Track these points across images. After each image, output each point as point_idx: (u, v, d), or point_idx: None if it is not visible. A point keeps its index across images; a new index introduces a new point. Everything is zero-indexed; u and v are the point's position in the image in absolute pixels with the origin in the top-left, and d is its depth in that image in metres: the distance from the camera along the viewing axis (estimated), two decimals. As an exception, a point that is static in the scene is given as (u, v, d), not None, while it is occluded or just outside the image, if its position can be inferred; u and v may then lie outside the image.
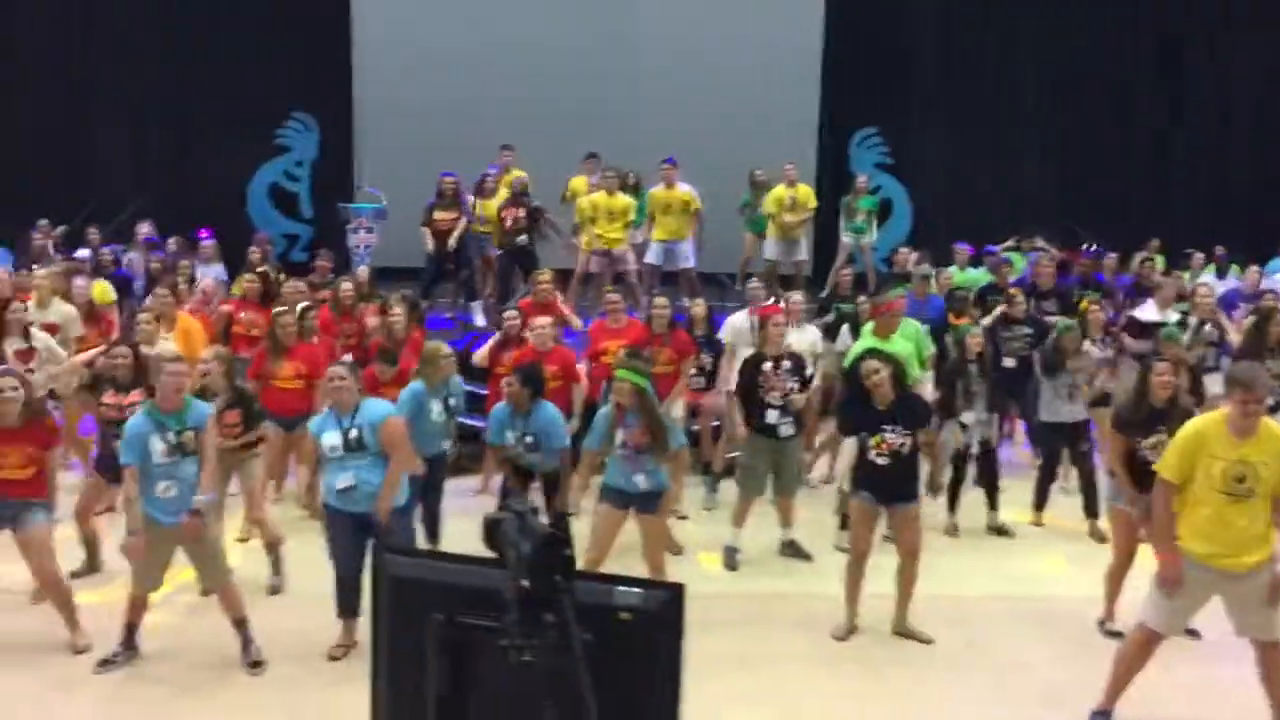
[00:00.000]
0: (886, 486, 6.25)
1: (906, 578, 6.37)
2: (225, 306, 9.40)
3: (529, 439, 7.01)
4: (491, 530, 2.54)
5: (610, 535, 6.38)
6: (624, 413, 6.19)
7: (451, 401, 7.24)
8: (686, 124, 14.31)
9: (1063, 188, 15.60)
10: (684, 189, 11.34)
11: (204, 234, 12.31)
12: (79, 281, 9.09)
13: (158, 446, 5.66)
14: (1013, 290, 9.73)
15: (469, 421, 8.73)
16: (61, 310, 8.70)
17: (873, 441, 6.22)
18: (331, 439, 5.84)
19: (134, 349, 7.02)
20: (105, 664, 5.85)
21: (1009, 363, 9.02)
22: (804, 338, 8.67)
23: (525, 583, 2.39)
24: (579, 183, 11.94)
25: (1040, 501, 8.42)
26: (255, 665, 5.86)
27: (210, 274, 11.25)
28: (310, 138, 15.67)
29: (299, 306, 8.53)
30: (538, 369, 7.31)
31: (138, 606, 5.90)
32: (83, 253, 11.02)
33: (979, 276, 11.61)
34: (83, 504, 6.98)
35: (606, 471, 6.41)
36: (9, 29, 15.15)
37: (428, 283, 11.33)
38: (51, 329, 8.39)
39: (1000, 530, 8.23)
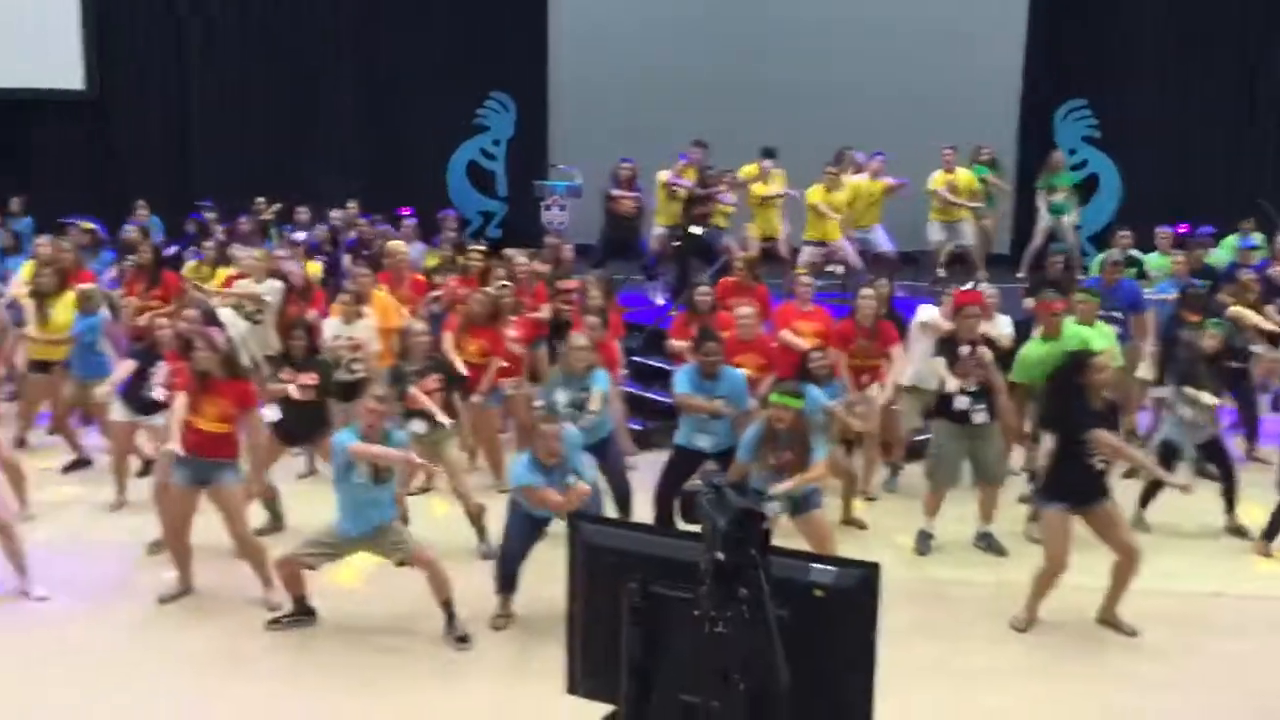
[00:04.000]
0: (1092, 489, 5.98)
1: (1123, 575, 6.11)
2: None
3: (716, 400, 7.07)
4: (687, 503, 2.57)
5: None
6: (777, 435, 6.25)
7: (583, 394, 7.07)
8: (881, 98, 13.99)
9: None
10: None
11: (405, 212, 12.78)
12: (292, 265, 9.46)
13: (360, 470, 5.91)
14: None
15: (656, 397, 8.82)
16: (270, 286, 9.12)
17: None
18: None
19: (309, 329, 7.49)
20: (274, 624, 6.12)
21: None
22: (994, 328, 8.30)
23: (720, 556, 2.41)
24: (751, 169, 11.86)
25: (1273, 531, 7.34)
26: (462, 641, 5.98)
27: (412, 252, 11.63)
28: (507, 117, 16.05)
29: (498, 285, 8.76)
30: (714, 332, 7.43)
31: (291, 581, 6.07)
32: (299, 235, 11.57)
33: (1163, 262, 10.78)
34: (255, 466, 7.22)
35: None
36: (241, 23, 16.07)
37: (598, 259, 11.29)
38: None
39: (1238, 531, 7.59)
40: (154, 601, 6.39)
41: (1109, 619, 6.22)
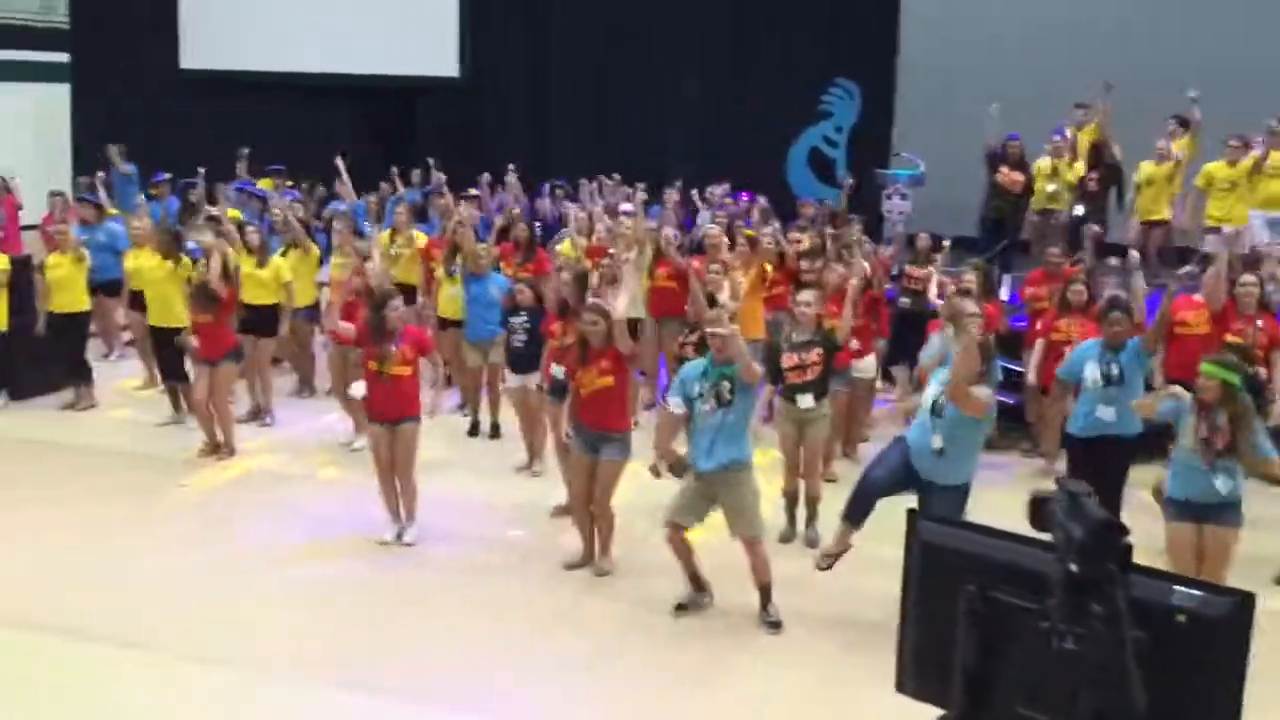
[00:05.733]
0: None
1: None
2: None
3: (1115, 370, 6.65)
4: (1039, 509, 2.47)
5: (1186, 556, 5.67)
6: (1209, 410, 5.58)
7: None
8: (1243, 94, 12.70)
9: None
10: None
11: (746, 196, 12.93)
12: (669, 234, 9.79)
13: (700, 397, 5.92)
14: None
15: (1001, 398, 8.46)
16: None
17: None
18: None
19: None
20: (680, 609, 6.10)
21: None
22: None
23: (1073, 567, 2.30)
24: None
25: None
26: (774, 626, 5.97)
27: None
28: (851, 105, 15.90)
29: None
30: (1124, 301, 7.01)
31: (680, 549, 6.07)
32: (626, 206, 11.88)
33: None
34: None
35: (1169, 483, 5.82)
36: (596, 13, 16.84)
37: (991, 248, 10.87)
38: None
39: None
40: (559, 565, 6.71)
41: None
